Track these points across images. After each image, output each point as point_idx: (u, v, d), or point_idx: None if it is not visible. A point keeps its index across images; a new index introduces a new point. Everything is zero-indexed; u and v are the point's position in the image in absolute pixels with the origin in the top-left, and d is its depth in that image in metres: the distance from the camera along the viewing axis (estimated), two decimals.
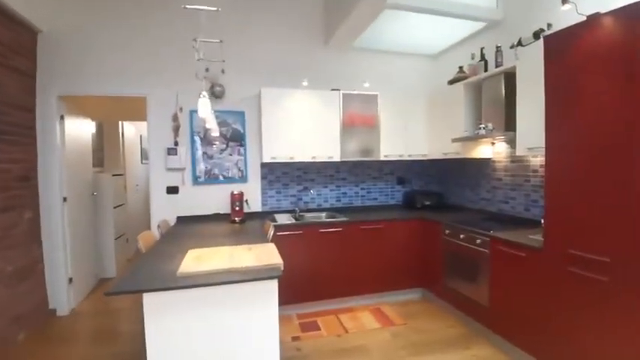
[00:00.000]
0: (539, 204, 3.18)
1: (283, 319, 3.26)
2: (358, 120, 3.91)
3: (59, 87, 3.42)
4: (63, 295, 3.51)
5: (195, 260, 2.07)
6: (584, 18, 2.09)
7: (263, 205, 3.96)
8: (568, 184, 2.23)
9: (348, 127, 3.86)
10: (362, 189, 4.33)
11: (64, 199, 3.54)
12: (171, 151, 3.63)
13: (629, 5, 1.83)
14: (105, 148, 5.08)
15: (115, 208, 4.68)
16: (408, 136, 4.07)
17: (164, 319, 1.74)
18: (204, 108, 2.34)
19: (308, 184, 4.11)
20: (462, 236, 3.22)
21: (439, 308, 3.59)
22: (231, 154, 3.83)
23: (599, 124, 2.02)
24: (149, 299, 1.72)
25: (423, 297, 3.89)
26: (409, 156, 4.09)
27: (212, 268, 1.90)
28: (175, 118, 3.67)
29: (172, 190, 3.69)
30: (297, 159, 3.68)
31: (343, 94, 3.83)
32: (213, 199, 3.79)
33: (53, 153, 3.42)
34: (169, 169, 3.67)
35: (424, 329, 3.17)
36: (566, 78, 2.22)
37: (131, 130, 5.85)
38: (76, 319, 3.46)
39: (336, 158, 3.81)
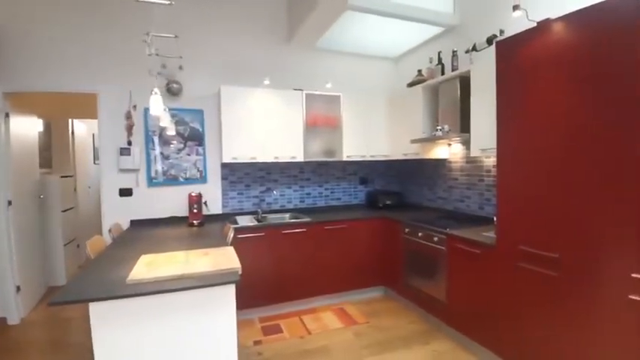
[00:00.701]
0: (492, 202, 3.30)
1: (245, 324, 3.20)
2: (321, 120, 3.90)
3: (4, 83, 3.15)
4: (11, 303, 3.25)
5: (148, 266, 1.97)
6: (535, 24, 2.18)
7: (224, 206, 3.85)
8: (518, 183, 2.33)
9: (311, 127, 3.84)
10: (326, 189, 4.33)
11: (9, 203, 3.26)
12: (124, 151, 3.45)
13: (578, 11, 1.92)
14: (53, 148, 4.75)
15: (63, 211, 4.39)
16: (369, 137, 4.11)
17: (113, 329, 1.64)
18: (157, 105, 2.25)
19: (271, 185, 4.05)
20: (420, 234, 3.30)
21: (400, 306, 3.65)
22: (189, 154, 3.70)
23: (546, 127, 2.12)
24: (96, 309, 1.62)
25: (385, 295, 3.95)
26: (371, 157, 4.13)
27: (165, 275, 1.81)
28: (129, 116, 3.49)
29: (125, 192, 3.51)
30: (260, 159, 3.62)
31: (306, 94, 3.81)
32: (170, 202, 3.65)
33: None
34: (122, 170, 3.48)
35: (386, 327, 3.21)
36: (516, 82, 2.32)
37: (82, 129, 5.51)
38: (26, 328, 3.22)
39: (300, 158, 3.78)
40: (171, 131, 3.46)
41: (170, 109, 3.57)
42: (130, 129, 3.49)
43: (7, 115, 3.27)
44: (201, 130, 3.73)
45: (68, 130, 4.97)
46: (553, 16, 2.07)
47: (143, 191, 3.56)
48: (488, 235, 2.67)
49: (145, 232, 3.10)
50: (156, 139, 3.58)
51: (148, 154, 3.55)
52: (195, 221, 3.39)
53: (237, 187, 3.91)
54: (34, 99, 4.02)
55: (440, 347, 2.83)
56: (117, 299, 1.62)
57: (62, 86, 3.31)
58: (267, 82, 3.79)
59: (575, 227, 1.98)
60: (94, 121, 6.40)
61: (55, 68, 3.28)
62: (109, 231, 3.13)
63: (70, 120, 5.00)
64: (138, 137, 3.53)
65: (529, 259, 2.24)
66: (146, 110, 3.51)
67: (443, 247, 3.01)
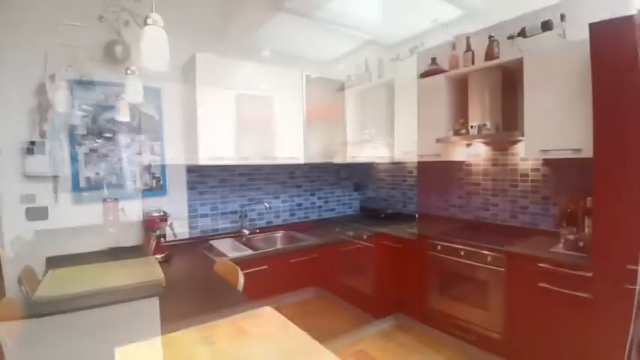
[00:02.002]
0: (530, 210, 2.85)
1: None
2: (320, 112, 3.02)
3: None
4: None
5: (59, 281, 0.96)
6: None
7: (191, 227, 2.72)
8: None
9: (311, 120, 2.93)
10: (319, 198, 3.44)
11: None
12: (36, 148, 2.14)
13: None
14: None
15: None
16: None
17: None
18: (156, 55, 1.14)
19: (254, 195, 3.02)
20: (462, 253, 2.67)
21: (426, 337, 2.94)
22: (139, 153, 2.50)
23: None
24: None
25: (397, 323, 3.21)
26: (377, 158, 3.37)
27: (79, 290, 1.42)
28: (42, 91, 2.18)
29: (37, 212, 2.19)
30: (250, 160, 2.60)
31: (306, 76, 2.89)
32: (109, 225, 2.41)
33: None
34: (29, 177, 2.16)
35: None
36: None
37: None
38: None
39: (300, 160, 2.85)
40: (124, 117, 2.25)
41: (107, 84, 2.36)
42: (43, 112, 2.18)
43: None
44: (157, 117, 2.55)
45: None
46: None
47: (66, 209, 2.27)
48: (564, 252, 2.22)
49: (79, 282, 1.87)
50: (85, 130, 2.32)
51: (73, 153, 2.28)
52: (157, 255, 2.23)
53: (209, 200, 2.80)
54: None
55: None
56: None
57: None
58: (266, 53, 2.76)
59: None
60: None
61: None
62: (20, 283, 1.82)
63: None
64: (56, 125, 2.23)
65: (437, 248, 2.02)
66: (73, 84, 2.24)
67: (500, 269, 2.41)
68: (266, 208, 2.92)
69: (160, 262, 2.18)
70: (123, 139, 2.43)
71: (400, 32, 3.28)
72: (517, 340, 2.34)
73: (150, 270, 1.86)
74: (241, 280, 1.81)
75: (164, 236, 2.24)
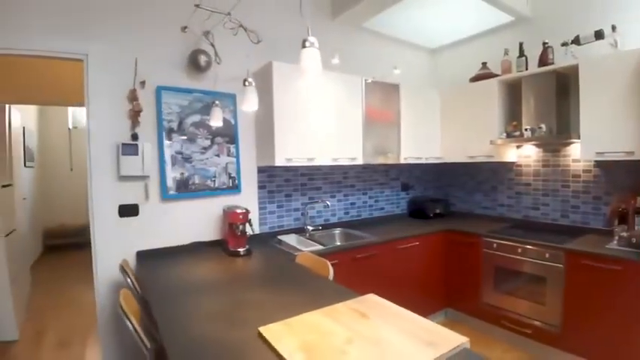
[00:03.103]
0: (581, 210, 2.95)
1: None
2: (378, 114, 3.15)
3: None
4: None
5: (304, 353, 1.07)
6: None
7: (261, 224, 2.88)
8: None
9: (369, 122, 3.06)
10: (370, 197, 3.57)
11: None
12: (129, 149, 2.31)
13: None
14: None
15: (6, 236, 2.97)
16: (423, 137, 3.47)
17: None
18: (313, 62, 1.28)
19: (314, 194, 3.17)
20: (519, 250, 2.77)
21: (476, 330, 3.06)
22: (217, 155, 2.66)
23: None
24: None
25: (447, 318, 3.34)
26: (426, 159, 3.49)
27: None
28: (133, 97, 2.36)
29: (128, 210, 2.36)
30: (318, 161, 2.74)
31: (365, 81, 3.02)
32: (192, 222, 2.58)
33: None
34: (124, 178, 2.33)
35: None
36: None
37: (16, 119, 3.96)
38: None
39: (359, 160, 2.98)
40: (217, 121, 2.40)
41: (191, 91, 2.53)
42: (135, 116, 2.36)
43: None
44: (233, 122, 2.71)
45: (4, 120, 3.46)
46: None
47: (154, 208, 2.44)
48: (618, 248, 2.38)
49: (174, 273, 2.04)
50: (172, 133, 2.49)
51: (161, 155, 2.45)
52: (240, 249, 2.39)
53: (276, 198, 2.96)
54: None
55: None
56: None
57: (25, 43, 2.06)
58: (336, 60, 2.91)
59: None
60: (25, 109, 4.79)
61: (15, 14, 2.03)
62: (123, 271, 2.00)
63: (7, 106, 3.49)
64: (147, 129, 2.41)
65: None
66: (159, 89, 2.41)
67: (559, 265, 2.53)
68: (328, 207, 3.06)
69: (242, 255, 2.36)
70: (204, 142, 2.59)
71: (553, 14, 3.15)
72: (575, 333, 2.45)
73: (418, 322, 1.39)
74: (331, 271, 1.95)
75: (244, 232, 2.40)
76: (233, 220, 2.39)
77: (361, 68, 3.29)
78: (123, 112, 2.33)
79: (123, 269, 2.04)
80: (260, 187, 2.87)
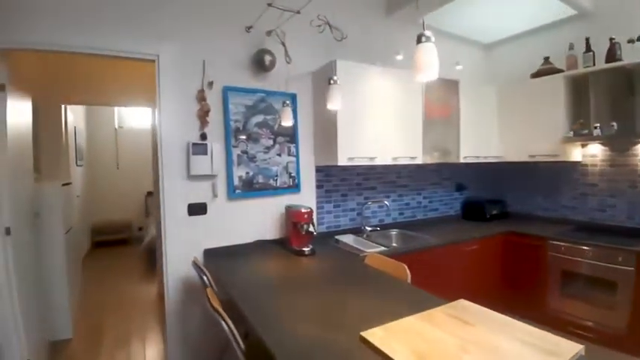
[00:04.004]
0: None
1: None
2: (437, 112, 3.08)
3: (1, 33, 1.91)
4: None
5: None
6: None
7: (318, 223, 2.87)
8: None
9: (429, 120, 3.00)
10: (424, 198, 3.50)
11: (7, 231, 2.02)
12: (198, 149, 2.35)
13: None
14: (41, 144, 3.37)
15: (65, 233, 3.09)
16: (482, 135, 3.36)
17: None
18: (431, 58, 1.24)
19: (369, 194, 3.13)
20: (590, 254, 2.65)
21: None
22: (279, 154, 2.67)
23: None
24: None
25: None
26: (484, 158, 3.39)
27: None
28: (202, 97, 2.39)
29: (197, 208, 2.40)
30: (379, 160, 2.70)
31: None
32: (256, 220, 2.60)
33: None
34: (193, 177, 2.37)
35: None
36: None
37: (69, 119, 4.12)
38: None
39: (419, 160, 2.92)
40: (287, 121, 2.40)
41: (255, 91, 2.54)
42: (203, 116, 2.39)
43: (2, 89, 2.02)
44: (293, 121, 2.71)
45: (61, 120, 3.61)
46: None
47: (221, 206, 2.47)
48: None
49: (247, 271, 2.05)
50: (238, 133, 2.51)
51: (229, 154, 2.47)
52: (305, 249, 2.39)
53: (332, 198, 2.94)
54: (22, 66, 2.75)
55: None
56: None
57: (97, 43, 2.11)
58: (400, 56, 2.87)
59: None
60: (76, 109, 4.99)
61: (85, 14, 2.09)
62: (197, 268, 2.02)
63: (62, 106, 3.64)
64: (214, 129, 2.44)
65: None
66: (226, 90, 2.44)
67: (630, 268, 2.44)
68: (387, 207, 3.02)
69: (307, 255, 2.35)
70: (267, 141, 2.60)
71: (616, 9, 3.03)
72: None
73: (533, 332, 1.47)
74: (409, 274, 1.91)
75: (310, 231, 2.39)
76: (298, 219, 2.38)
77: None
78: (192, 113, 2.37)
79: (197, 266, 2.07)
80: (317, 187, 2.85)
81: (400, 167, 3.28)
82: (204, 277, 1.95)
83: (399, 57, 2.88)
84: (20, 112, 2.45)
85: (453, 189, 3.70)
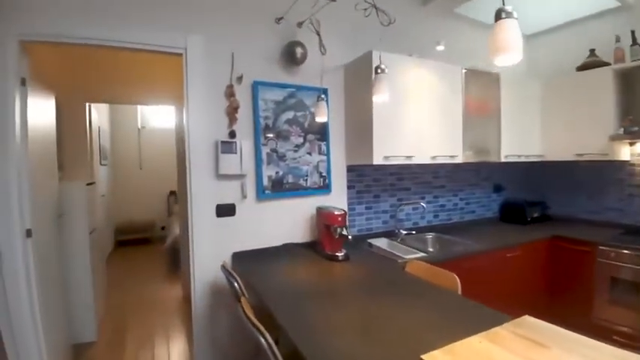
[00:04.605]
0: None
1: None
2: (477, 107, 2.87)
3: (21, 24, 1.82)
4: None
5: None
6: None
7: (350, 226, 2.71)
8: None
9: (469, 116, 2.80)
10: (461, 199, 3.29)
11: (28, 233, 1.94)
12: (227, 147, 2.23)
13: None
14: (64, 143, 3.32)
15: (90, 234, 3.03)
16: (523, 132, 3.14)
17: None
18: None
19: (402, 195, 2.95)
20: None
21: None
22: (309, 153, 2.53)
23: None
24: None
25: None
26: (526, 157, 3.16)
27: None
28: (231, 92, 2.27)
29: (226, 210, 2.28)
30: (417, 159, 2.52)
31: (465, 71, 2.76)
32: (285, 222, 2.46)
33: (6, 151, 1.82)
34: (222, 177, 2.25)
35: None
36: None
37: (94, 118, 4.09)
38: None
39: (459, 159, 2.73)
40: (322, 116, 2.26)
41: (285, 86, 2.40)
42: (232, 113, 2.27)
43: (23, 83, 1.93)
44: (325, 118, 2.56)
45: (85, 118, 3.57)
46: None
47: (250, 207, 2.35)
48: None
49: (279, 276, 1.91)
50: (267, 131, 2.38)
51: (258, 152, 2.34)
52: (338, 254, 2.23)
53: (364, 199, 2.78)
54: (46, 62, 2.70)
55: None
56: None
57: (120, 34, 2.01)
58: (441, 47, 2.69)
59: None
60: (100, 107, 4.98)
61: (109, 3, 1.99)
62: (227, 273, 1.89)
63: (87, 104, 3.60)
64: (242, 126, 2.31)
65: None
66: (256, 84, 2.31)
67: None
68: (423, 209, 2.83)
69: (340, 260, 2.20)
70: (297, 139, 2.46)
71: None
72: None
73: None
74: (459, 284, 1.73)
75: (344, 235, 2.23)
76: (331, 222, 2.23)
77: (452, 57, 3.01)
78: (220, 109, 2.25)
79: (226, 271, 1.95)
80: (349, 187, 2.70)
81: (436, 167, 3.09)
82: (235, 284, 1.82)
83: (440, 47, 2.69)
84: (44, 110, 2.38)
85: (490, 190, 3.48)
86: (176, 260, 4.56)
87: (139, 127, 6.61)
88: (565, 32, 3.42)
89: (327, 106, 2.55)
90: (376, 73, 1.86)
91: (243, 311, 1.42)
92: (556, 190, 3.56)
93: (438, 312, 1.45)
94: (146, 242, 6.46)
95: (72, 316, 2.82)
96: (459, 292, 1.71)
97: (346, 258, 2.21)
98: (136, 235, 6.39)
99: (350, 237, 2.15)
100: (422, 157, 2.54)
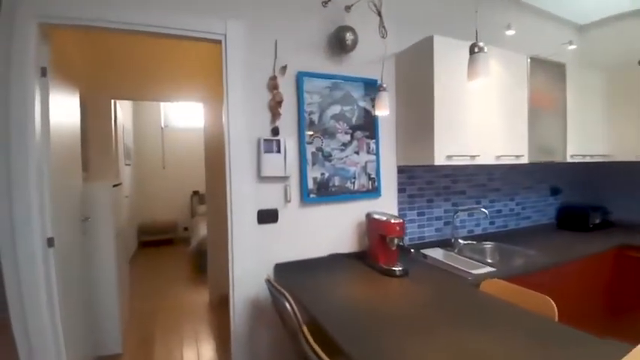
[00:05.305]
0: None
1: None
2: (542, 101, 2.55)
3: (41, 4, 1.61)
4: None
5: None
6: None
7: None
8: None
9: (534, 111, 2.49)
10: (517, 204, 2.97)
11: (50, 242, 1.73)
12: (270, 146, 1.98)
13: None
14: (90, 142, 3.14)
15: (115, 236, 2.83)
16: (588, 129, 2.79)
17: None
18: None
19: (457, 199, 2.66)
20: None
21: None
22: (357, 152, 2.26)
23: None
24: None
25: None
26: (591, 157, 2.82)
27: None
28: (274, 85, 2.02)
29: (268, 216, 2.03)
30: (481, 160, 2.23)
31: (530, 59, 2.44)
32: (330, 230, 2.20)
33: (26, 151, 1.60)
34: (264, 179, 2.01)
35: None
36: None
37: (119, 116, 3.93)
38: None
39: (524, 159, 2.42)
40: (383, 109, 1.99)
41: (332, 77, 2.14)
42: (275, 107, 2.02)
43: (43, 73, 1.71)
44: (374, 113, 2.29)
45: (110, 116, 3.39)
46: None
47: (293, 214, 2.09)
48: None
49: (333, 294, 1.65)
50: (312, 127, 2.12)
51: (303, 152, 2.09)
52: (395, 268, 1.95)
53: (416, 204, 2.50)
54: (72, 54, 2.51)
55: None
56: None
57: (153, 18, 1.79)
58: (511, 32, 2.39)
59: None
60: (123, 108, 4.83)
61: None
62: (274, 289, 1.64)
63: (112, 101, 3.42)
64: (286, 123, 2.06)
65: None
66: (301, 75, 2.05)
67: None
68: (486, 215, 2.52)
69: (398, 276, 1.92)
70: (343, 136, 2.20)
71: None
72: None
73: None
74: (556, 310, 1.44)
75: (404, 246, 1.96)
76: (387, 232, 1.95)
77: (514, 47, 2.69)
78: (262, 103, 2.01)
79: (273, 287, 1.70)
80: (400, 191, 2.42)
81: (492, 168, 2.78)
82: (288, 305, 1.56)
83: (510, 32, 2.38)
84: (67, 106, 2.19)
85: (546, 193, 3.15)
86: (202, 263, 4.37)
87: (162, 126, 6.47)
88: (625, 22, 3.05)
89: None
90: (472, 52, 1.57)
91: (308, 344, 1.18)
92: (619, 193, 3.19)
93: (542, 347, 1.16)
94: (169, 243, 6.32)
95: (95, 326, 2.63)
96: (556, 318, 1.41)
97: (405, 273, 1.93)
98: (159, 236, 6.26)
99: (412, 250, 1.87)
100: (486, 157, 2.24)
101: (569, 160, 2.63)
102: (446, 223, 2.58)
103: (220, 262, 3.34)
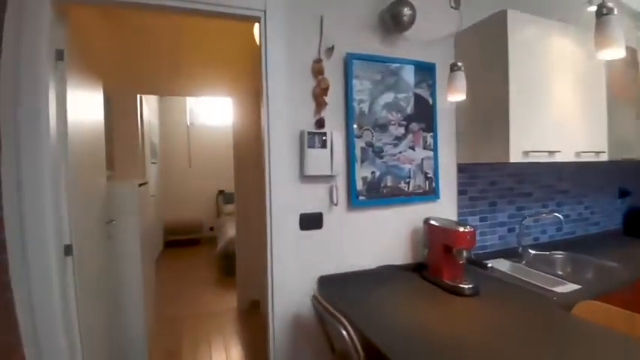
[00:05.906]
0: None
1: None
2: (620, 89, 2.18)
3: None
4: None
5: None
6: None
7: None
8: None
9: (613, 99, 2.12)
10: (586, 208, 2.60)
11: (67, 250, 1.51)
12: (315, 140, 1.71)
13: None
14: (115, 139, 2.96)
15: (141, 237, 2.63)
16: None
17: None
18: None
19: (523, 203, 2.31)
20: None
21: None
22: (412, 147, 1.96)
23: None
24: None
25: None
26: None
27: None
28: (319, 69, 1.74)
29: (311, 221, 1.76)
30: (561, 156, 1.90)
31: None
32: (380, 238, 1.91)
33: (39, 145, 1.37)
34: (307, 178, 1.74)
35: None
36: None
37: (145, 113, 3.76)
38: None
39: (604, 156, 2.06)
40: (460, 93, 1.70)
41: (385, 60, 1.84)
42: (321, 95, 1.74)
43: (60, 57, 1.48)
44: (431, 101, 1.98)
45: (136, 112, 3.20)
46: None
47: (339, 218, 1.82)
48: None
49: (393, 316, 1.37)
50: (366, 120, 1.83)
51: (351, 147, 1.81)
52: (463, 285, 1.64)
53: (478, 209, 2.17)
54: (93, 41, 2.32)
55: None
56: None
57: None
58: (592, 7, 2.03)
59: None
60: (151, 104, 4.67)
61: None
62: (325, 311, 1.37)
63: (138, 96, 3.24)
64: (332, 113, 1.79)
65: None
66: (350, 58, 1.77)
67: None
68: (561, 220, 2.15)
69: (467, 295, 1.61)
70: (397, 129, 1.90)
71: None
72: None
73: None
74: None
75: (470, 259, 1.65)
76: (455, 243, 1.65)
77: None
78: (306, 91, 1.74)
79: (322, 306, 1.43)
80: (460, 193, 2.10)
81: (560, 166, 2.43)
82: (344, 332, 1.28)
83: (592, 8, 2.02)
84: (89, 98, 1.98)
85: (614, 195, 2.75)
86: (229, 266, 4.16)
87: (188, 123, 6.33)
88: None
89: (434, 88, 1.98)
90: (600, 15, 1.25)
91: None
92: None
93: None
94: (195, 243, 6.18)
95: (119, 336, 2.43)
96: None
97: (475, 292, 1.62)
98: (185, 235, 6.12)
99: (490, 265, 1.56)
100: (567, 154, 1.90)
101: None
102: (510, 230, 2.25)
103: (250, 265, 3.13)
